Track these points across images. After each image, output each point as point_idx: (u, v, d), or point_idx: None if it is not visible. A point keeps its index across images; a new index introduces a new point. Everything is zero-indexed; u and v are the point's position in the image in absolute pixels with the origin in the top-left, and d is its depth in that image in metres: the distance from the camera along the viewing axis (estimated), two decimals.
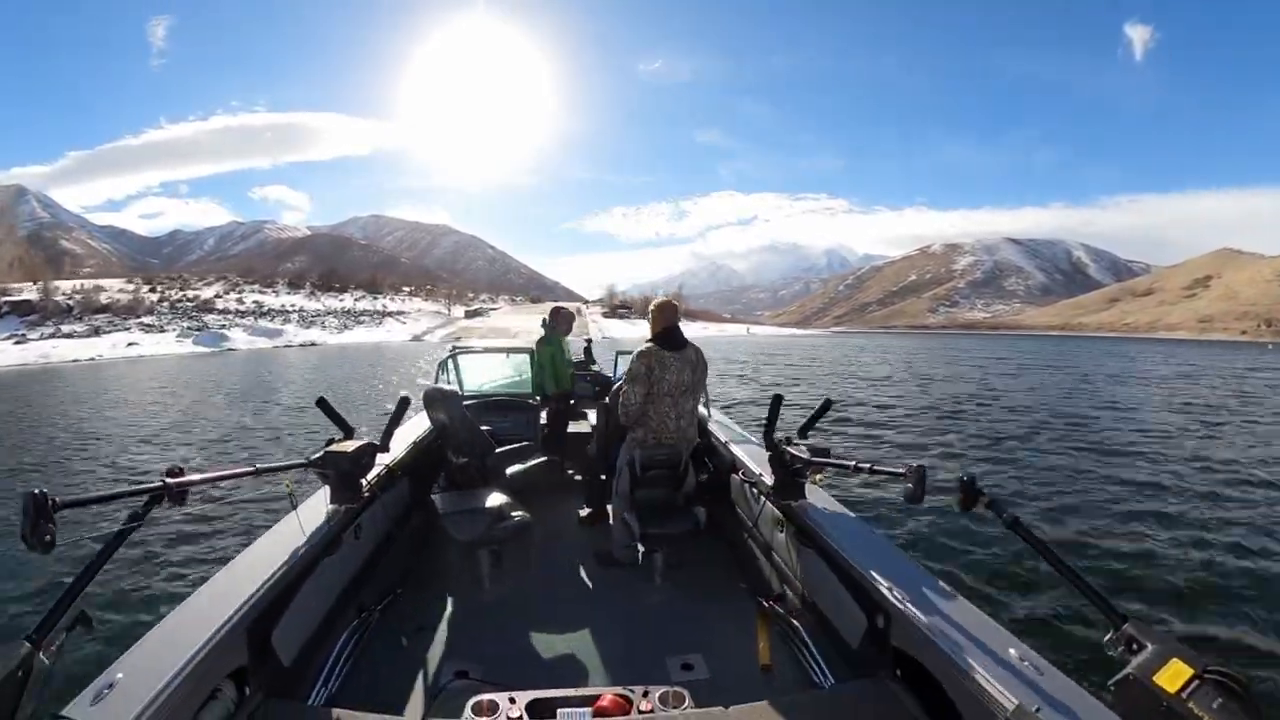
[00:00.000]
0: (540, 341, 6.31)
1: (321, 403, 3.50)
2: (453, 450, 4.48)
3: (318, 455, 3.18)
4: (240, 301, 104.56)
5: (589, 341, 9.62)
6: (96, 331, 72.58)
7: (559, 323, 6.47)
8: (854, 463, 2.93)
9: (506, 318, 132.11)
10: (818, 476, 3.38)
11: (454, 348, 6.74)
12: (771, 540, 3.71)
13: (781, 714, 2.24)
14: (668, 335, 3.96)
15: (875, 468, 2.73)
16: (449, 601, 3.63)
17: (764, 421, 3.62)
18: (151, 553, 6.35)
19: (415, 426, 4.93)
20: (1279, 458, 11.77)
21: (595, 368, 8.30)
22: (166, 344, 66.98)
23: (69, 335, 70.00)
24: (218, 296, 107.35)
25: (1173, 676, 1.45)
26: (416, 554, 4.20)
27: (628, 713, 2.30)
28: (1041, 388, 25.96)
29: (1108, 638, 1.70)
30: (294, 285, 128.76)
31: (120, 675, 1.77)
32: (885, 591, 2.42)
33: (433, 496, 4.00)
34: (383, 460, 3.69)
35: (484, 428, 4.68)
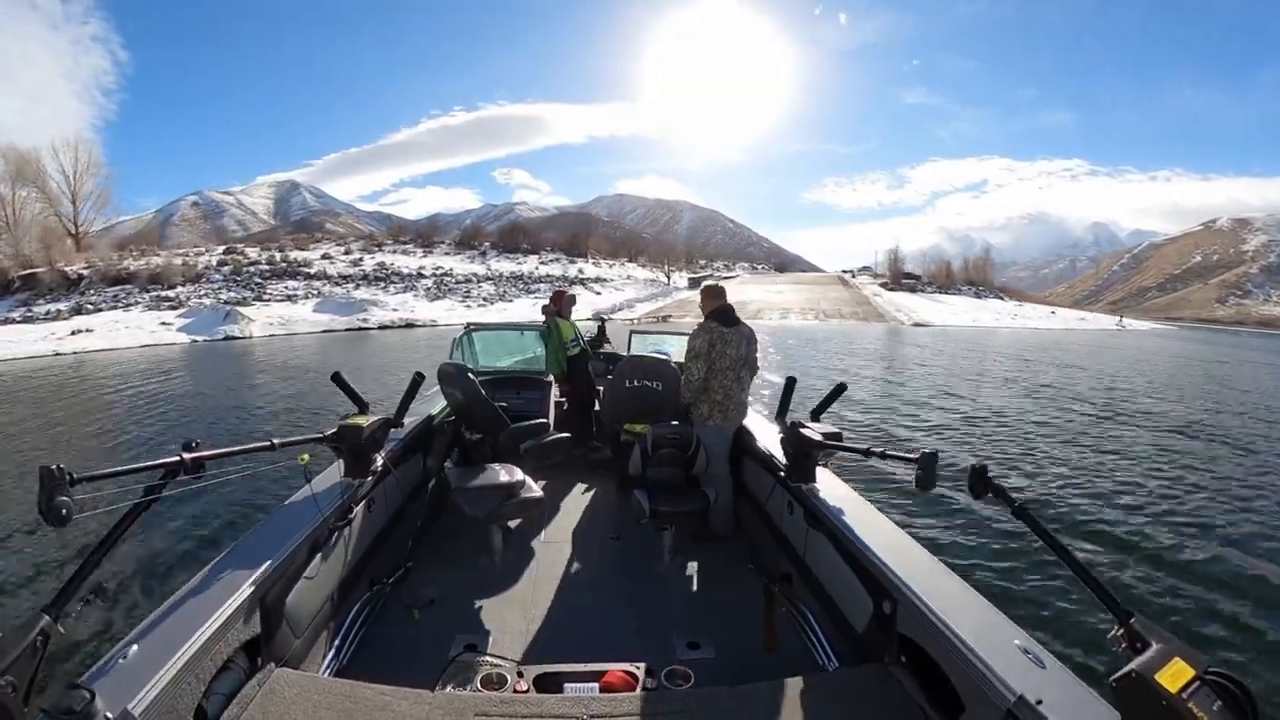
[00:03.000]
0: (545, 323, 6.53)
1: (336, 377, 3.52)
2: (466, 426, 4.69)
3: (333, 430, 3.19)
4: (357, 264, 75.32)
5: (602, 320, 9.74)
6: (79, 310, 46.38)
7: (561, 305, 6.63)
8: (866, 446, 3.03)
9: (746, 288, 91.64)
10: (829, 459, 3.43)
11: (469, 324, 6.79)
12: (781, 522, 3.74)
13: (785, 696, 2.30)
14: (722, 313, 4.33)
15: (887, 452, 2.81)
16: (460, 576, 3.70)
17: (777, 403, 3.92)
18: (167, 527, 6.46)
19: (430, 403, 4.96)
20: None
21: (609, 347, 8.06)
22: (146, 330, 39.28)
23: (28, 318, 43.95)
24: (325, 258, 77.70)
25: (1174, 676, 1.48)
26: (428, 528, 4.24)
27: (633, 689, 2.42)
28: None
29: (1111, 633, 1.75)
30: (462, 246, 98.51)
31: (135, 647, 1.83)
32: (893, 577, 2.45)
33: (445, 472, 4.25)
34: (396, 435, 3.77)
35: (498, 404, 4.66)
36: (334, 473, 3.29)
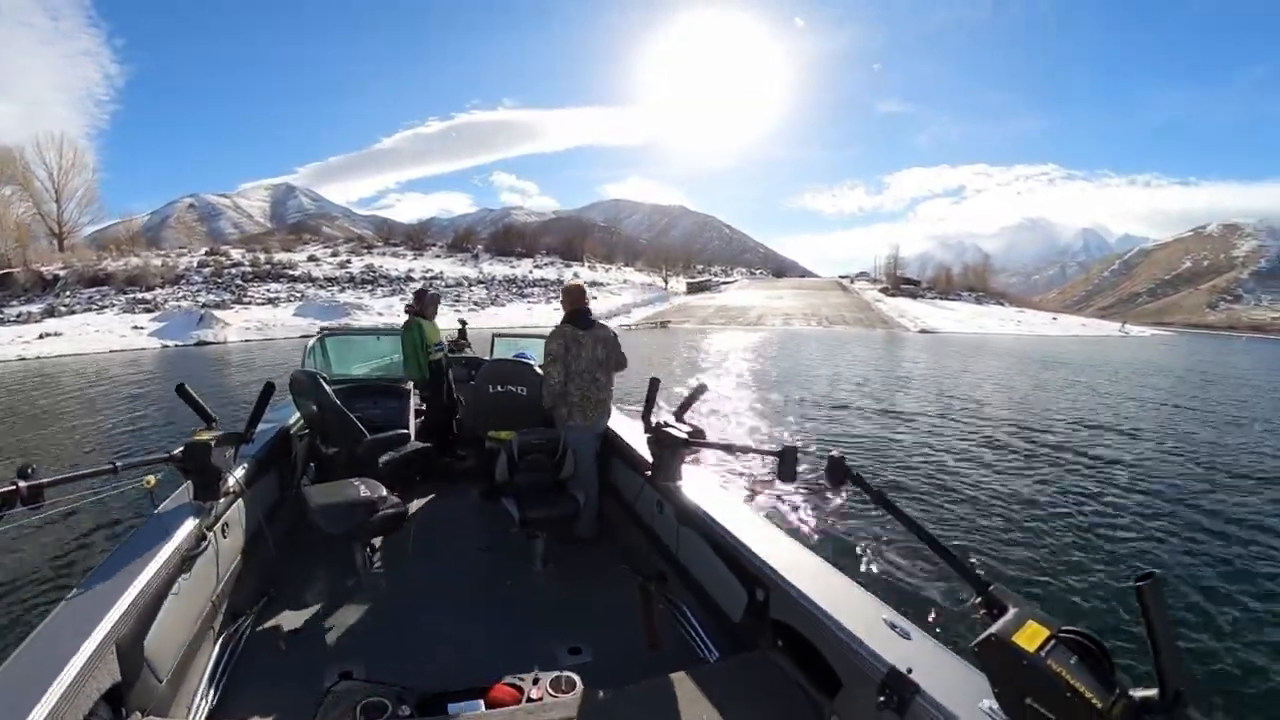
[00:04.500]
0: (405, 325, 6.15)
1: (180, 389, 3.25)
2: (322, 439, 4.53)
3: (179, 450, 3.01)
4: (344, 266, 73.12)
5: (463, 324, 9.06)
6: (51, 312, 44.63)
7: (424, 305, 6.29)
8: (728, 442, 2.96)
9: (745, 294, 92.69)
10: (693, 456, 3.44)
11: (323, 329, 6.46)
12: (652, 521, 3.83)
13: (670, 691, 2.37)
14: (577, 315, 4.44)
15: (749, 447, 3.19)
16: (327, 600, 3.54)
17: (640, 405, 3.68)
18: (8, 563, 5.76)
19: (282, 414, 4.75)
20: None
21: (469, 352, 7.77)
22: (116, 334, 37.46)
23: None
24: (311, 260, 75.68)
25: (1030, 636, 1.57)
26: (289, 551, 4.04)
27: (519, 701, 2.43)
28: None
29: (970, 602, 1.82)
30: (454, 248, 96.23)
31: None
32: (763, 567, 2.55)
33: (301, 489, 3.91)
34: (247, 452, 3.62)
35: (355, 414, 4.56)
36: (183, 496, 3.08)
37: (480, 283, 76.08)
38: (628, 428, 4.50)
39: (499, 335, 6.84)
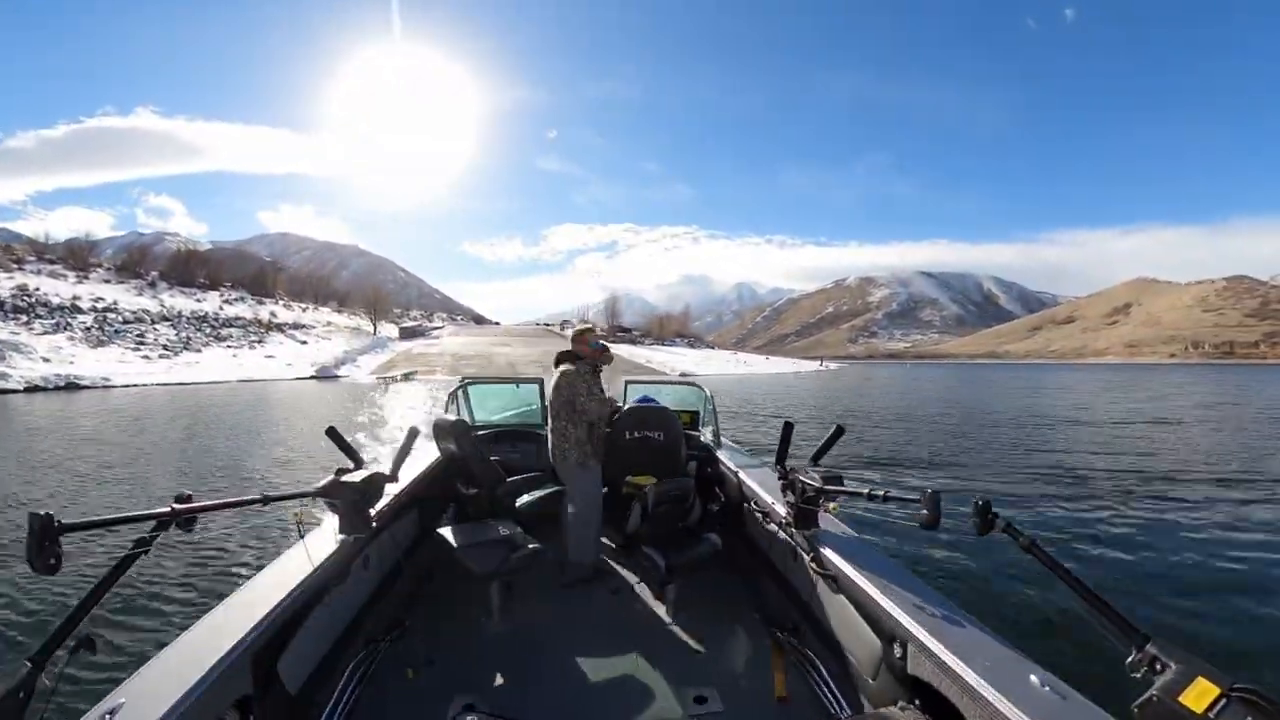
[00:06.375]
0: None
1: (331, 432, 3.43)
2: (463, 481, 4.61)
3: (326, 484, 3.15)
4: None
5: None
6: None
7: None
8: (868, 490, 2.94)
9: (464, 340, 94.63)
10: (831, 504, 3.36)
11: (464, 378, 6.76)
12: (785, 570, 3.72)
13: None
14: (569, 356, 4.65)
15: (889, 494, 2.75)
16: (458, 634, 3.65)
17: (775, 449, 3.63)
18: (158, 578, 6.23)
19: (425, 457, 4.83)
20: None
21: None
22: None
23: None
24: None
25: (1199, 696, 1.46)
26: (425, 585, 4.22)
27: None
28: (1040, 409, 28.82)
29: (1130, 659, 1.69)
30: (125, 271, 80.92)
31: (123, 700, 1.76)
32: (901, 620, 2.38)
33: (441, 530, 3.92)
34: (391, 490, 3.64)
35: (494, 458, 4.78)
36: (329, 528, 3.20)
37: (165, 319, 66.80)
38: (762, 474, 4.44)
39: (630, 381, 6.84)
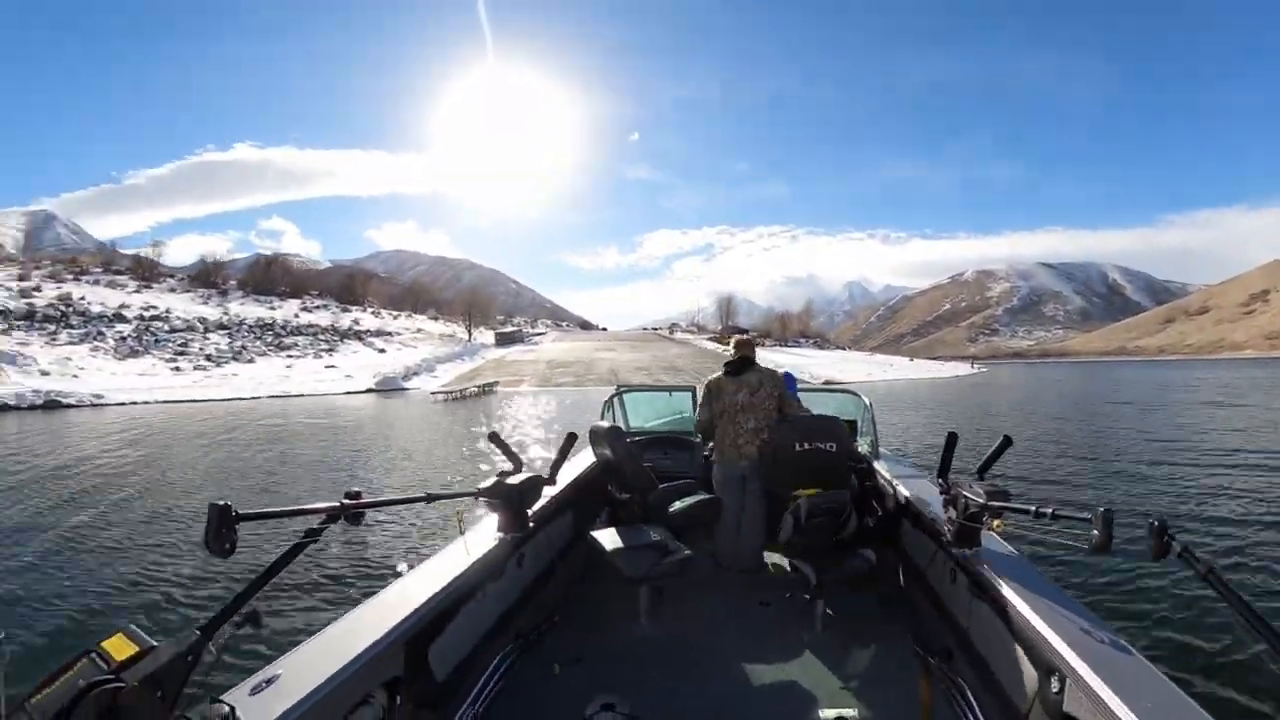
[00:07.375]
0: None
1: (494, 437, 3.59)
2: (616, 486, 4.72)
3: (487, 486, 3.28)
4: (26, 295, 54.16)
5: None
6: None
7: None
8: (1034, 507, 2.76)
9: (566, 345, 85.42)
10: (995, 521, 3.13)
11: (619, 386, 6.92)
12: (941, 589, 3.59)
13: None
14: (731, 364, 4.78)
15: (1056, 511, 2.60)
16: (605, 635, 3.70)
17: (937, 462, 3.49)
18: (322, 565, 6.66)
19: (580, 462, 4.99)
20: None
21: None
22: None
23: None
24: None
25: None
26: (576, 585, 4.31)
27: None
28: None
29: None
30: (198, 282, 74.85)
31: (280, 671, 1.91)
32: (1061, 651, 2.25)
33: (594, 533, 3.99)
34: (549, 493, 3.76)
35: (646, 464, 4.75)
36: (488, 526, 3.35)
37: (222, 327, 58.69)
38: (923, 488, 4.16)
39: (802, 390, 6.11)
